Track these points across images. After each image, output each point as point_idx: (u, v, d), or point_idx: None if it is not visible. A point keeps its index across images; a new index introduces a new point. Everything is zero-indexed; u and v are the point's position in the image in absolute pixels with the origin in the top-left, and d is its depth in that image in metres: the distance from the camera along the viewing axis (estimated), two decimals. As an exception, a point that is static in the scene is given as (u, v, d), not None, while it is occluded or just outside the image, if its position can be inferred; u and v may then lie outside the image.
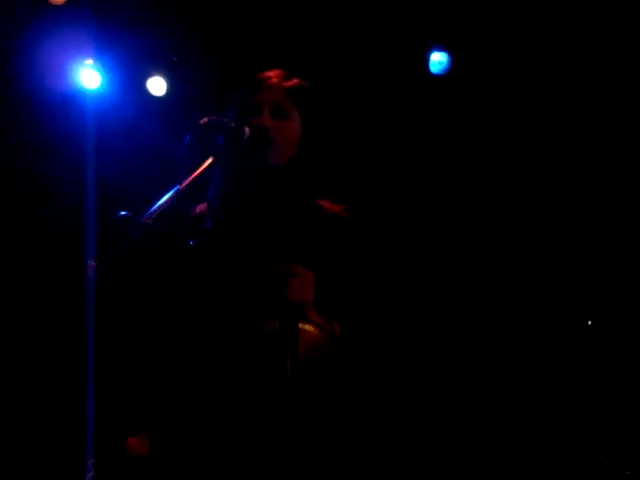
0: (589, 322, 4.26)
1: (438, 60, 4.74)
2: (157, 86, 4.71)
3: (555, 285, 4.77)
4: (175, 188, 1.87)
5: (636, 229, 4.71)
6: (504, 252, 4.87)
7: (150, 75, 4.71)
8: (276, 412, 1.90)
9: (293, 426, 1.91)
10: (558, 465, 4.27)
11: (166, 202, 1.82)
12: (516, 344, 4.72)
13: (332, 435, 1.99)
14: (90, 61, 4.61)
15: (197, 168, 1.94)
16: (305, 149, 2.13)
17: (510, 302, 4.78)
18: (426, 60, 4.71)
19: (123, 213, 1.75)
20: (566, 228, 4.83)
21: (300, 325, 1.96)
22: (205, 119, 1.98)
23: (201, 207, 2.16)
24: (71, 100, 4.61)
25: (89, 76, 4.63)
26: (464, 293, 4.80)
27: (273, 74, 2.17)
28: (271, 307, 1.95)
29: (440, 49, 4.72)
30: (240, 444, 1.91)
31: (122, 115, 4.68)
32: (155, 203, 1.82)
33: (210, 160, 1.98)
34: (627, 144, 4.71)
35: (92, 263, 1.72)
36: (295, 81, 2.18)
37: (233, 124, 2.05)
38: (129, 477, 1.83)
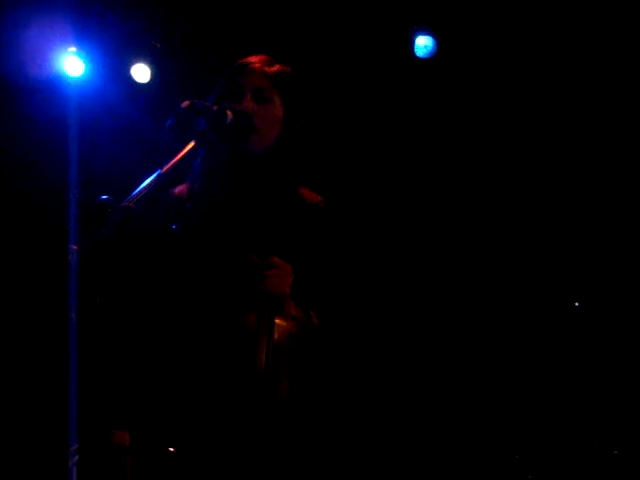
0: (576, 303, 4.28)
1: (423, 44, 4.73)
2: (141, 73, 4.69)
3: (542, 267, 4.79)
4: (157, 172, 1.87)
5: (618, 214, 4.73)
6: (487, 236, 4.88)
7: (134, 62, 4.69)
8: (250, 402, 1.90)
9: (266, 415, 1.91)
10: (546, 444, 4.29)
11: (147, 186, 1.82)
12: (501, 325, 4.74)
13: (306, 425, 1.99)
14: (73, 48, 4.58)
15: (179, 152, 1.94)
16: (286, 135, 2.13)
17: (494, 283, 4.80)
18: (411, 44, 4.70)
19: (104, 197, 1.75)
20: (551, 210, 4.85)
21: (277, 320, 1.96)
22: (187, 102, 1.97)
23: (180, 189, 2.14)
24: (55, 87, 4.58)
25: (72, 63, 4.60)
26: (444, 281, 4.80)
27: (256, 59, 2.17)
28: (249, 299, 1.95)
29: (425, 33, 4.70)
30: (216, 433, 1.91)
31: (106, 102, 4.66)
32: (137, 187, 1.82)
33: (192, 144, 1.98)
34: (609, 126, 4.73)
35: (74, 247, 1.71)
36: (278, 66, 2.18)
37: (215, 108, 2.04)
38: (111, 467, 1.83)
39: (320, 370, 2.04)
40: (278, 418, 1.93)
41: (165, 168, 1.89)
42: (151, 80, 4.70)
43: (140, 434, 1.92)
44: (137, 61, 4.69)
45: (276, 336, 1.93)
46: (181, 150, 1.94)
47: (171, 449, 1.88)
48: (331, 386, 2.09)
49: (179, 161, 1.93)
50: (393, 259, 4.70)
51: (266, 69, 2.14)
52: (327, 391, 2.09)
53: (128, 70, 4.69)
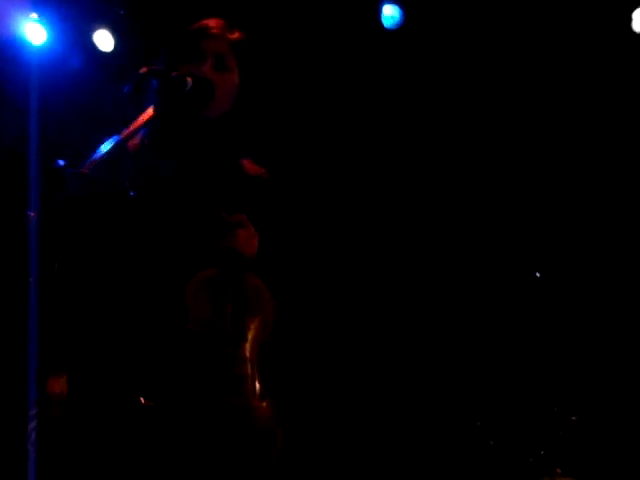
0: (537, 274, 4.34)
1: (390, 14, 4.71)
2: (104, 41, 4.64)
3: (505, 237, 4.84)
4: (114, 138, 1.86)
5: (583, 187, 4.78)
6: (447, 206, 4.90)
7: (97, 29, 4.63)
8: (217, 355, 1.92)
9: (232, 369, 1.93)
10: (506, 411, 4.37)
11: (105, 152, 1.82)
12: (463, 295, 4.79)
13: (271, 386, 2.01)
14: (35, 15, 4.51)
15: (137, 118, 1.93)
16: (239, 104, 2.13)
17: (455, 254, 4.83)
18: (378, 14, 4.68)
19: (61, 162, 1.74)
20: (513, 181, 4.89)
21: (246, 277, 1.97)
22: (144, 68, 1.96)
23: (133, 141, 2.12)
24: (16, 55, 4.50)
25: (34, 31, 4.52)
26: (389, 247, 4.83)
27: (215, 24, 2.15)
28: (215, 256, 1.96)
29: (392, 2, 4.69)
30: (179, 387, 1.92)
31: (68, 70, 4.60)
32: (94, 153, 1.82)
33: (150, 110, 1.97)
34: (582, 109, 4.75)
35: (31, 214, 1.71)
36: (237, 33, 2.16)
37: (174, 74, 2.03)
38: (48, 415, 1.84)
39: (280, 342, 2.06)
40: (243, 374, 1.95)
41: (124, 134, 1.89)
42: (115, 48, 4.65)
43: (105, 388, 1.92)
44: (100, 28, 4.63)
45: (241, 293, 1.94)
46: (139, 116, 1.94)
47: (142, 400, 1.88)
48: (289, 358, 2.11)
49: (138, 127, 1.92)
50: (342, 234, 4.72)
51: (227, 35, 2.13)
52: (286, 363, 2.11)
53: (91, 38, 4.63)
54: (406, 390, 4.69)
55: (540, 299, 4.39)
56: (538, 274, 4.28)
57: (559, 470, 3.89)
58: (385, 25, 4.70)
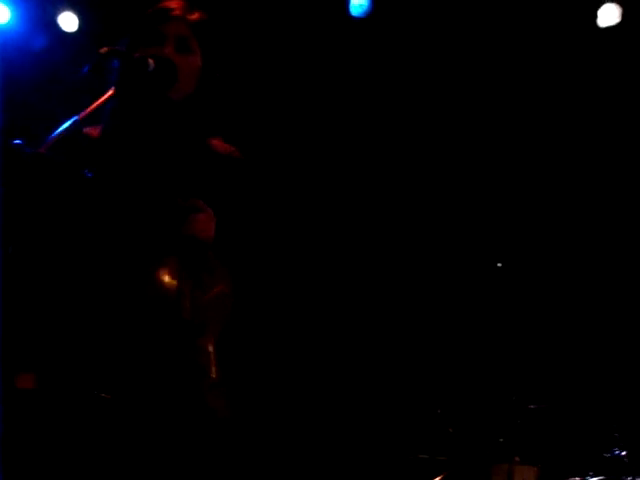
0: (499, 264, 4.38)
1: (358, 2, 4.71)
2: (68, 21, 4.59)
3: (466, 228, 4.87)
4: (73, 118, 1.83)
5: (544, 174, 4.83)
6: (406, 193, 4.92)
7: (61, 10, 4.58)
8: (172, 349, 1.90)
9: (191, 362, 1.91)
10: (466, 400, 4.41)
11: (62, 132, 1.79)
12: (424, 285, 4.82)
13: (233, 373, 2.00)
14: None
15: (96, 99, 1.90)
16: (203, 85, 2.11)
17: (417, 242, 4.86)
18: (346, 2, 4.68)
19: (17, 142, 1.71)
20: (478, 168, 4.92)
21: (204, 261, 1.95)
22: (105, 48, 1.93)
23: (89, 129, 2.09)
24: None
25: (-3, 10, 4.46)
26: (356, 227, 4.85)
27: (176, 5, 2.12)
28: (172, 244, 1.93)
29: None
30: (133, 380, 1.89)
31: (32, 51, 4.55)
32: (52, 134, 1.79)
33: (110, 92, 1.94)
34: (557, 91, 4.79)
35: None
36: (198, 14, 2.14)
37: (137, 55, 2.01)
38: (18, 409, 1.82)
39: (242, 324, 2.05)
40: (201, 362, 1.93)
41: (82, 115, 1.86)
42: (79, 29, 4.60)
43: (61, 380, 1.90)
44: (64, 9, 4.58)
45: (200, 279, 1.93)
46: (99, 97, 1.91)
47: (97, 392, 1.86)
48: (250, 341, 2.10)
49: (97, 108, 1.89)
50: (312, 214, 4.72)
51: (188, 16, 2.10)
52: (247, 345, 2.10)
53: (55, 18, 4.57)
54: (367, 376, 4.72)
55: (500, 290, 4.43)
56: (499, 264, 4.31)
57: (517, 458, 3.93)
58: (353, 13, 4.70)
